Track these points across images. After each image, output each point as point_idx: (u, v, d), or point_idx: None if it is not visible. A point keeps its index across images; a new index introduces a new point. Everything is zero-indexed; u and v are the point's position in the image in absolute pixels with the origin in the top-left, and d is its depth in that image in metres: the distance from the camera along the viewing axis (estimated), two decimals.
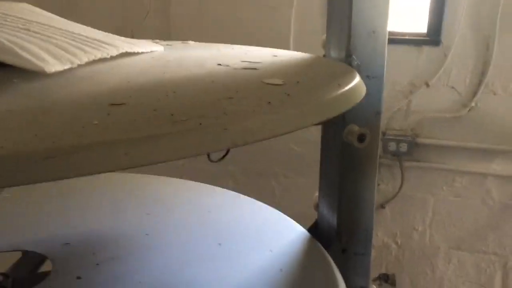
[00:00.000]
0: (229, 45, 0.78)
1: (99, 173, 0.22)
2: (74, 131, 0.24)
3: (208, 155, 0.72)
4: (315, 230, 0.69)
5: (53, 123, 0.26)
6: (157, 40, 0.80)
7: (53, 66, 0.34)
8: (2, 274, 0.53)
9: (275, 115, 0.29)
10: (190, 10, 1.24)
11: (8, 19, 0.42)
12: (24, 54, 0.33)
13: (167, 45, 0.73)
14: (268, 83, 0.39)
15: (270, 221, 0.70)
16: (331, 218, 0.66)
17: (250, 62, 0.52)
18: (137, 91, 0.35)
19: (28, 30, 0.40)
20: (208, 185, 0.83)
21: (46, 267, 0.55)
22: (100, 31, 0.59)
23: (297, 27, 1.18)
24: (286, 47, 1.19)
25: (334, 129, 0.62)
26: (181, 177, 0.86)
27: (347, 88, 0.38)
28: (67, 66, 0.36)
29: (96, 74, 0.41)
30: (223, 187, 0.82)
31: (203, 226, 0.65)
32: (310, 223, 0.69)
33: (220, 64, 0.50)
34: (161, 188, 0.78)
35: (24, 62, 0.32)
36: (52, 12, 0.65)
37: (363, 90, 0.43)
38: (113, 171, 0.22)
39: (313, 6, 1.17)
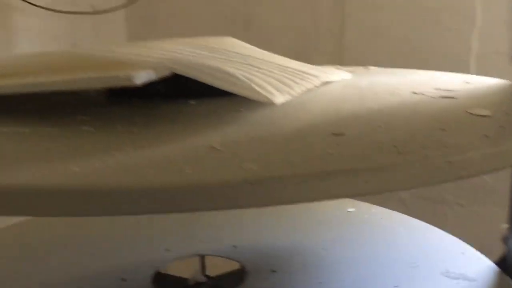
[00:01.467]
0: (412, 70, 0.78)
1: (341, 197, 0.26)
2: (315, 158, 0.28)
3: None
4: (504, 264, 0.65)
5: (293, 150, 0.30)
6: (339, 66, 0.84)
7: (278, 98, 0.39)
8: (207, 277, 0.61)
9: (495, 149, 0.29)
10: (364, 34, 1.26)
11: (231, 55, 0.49)
12: (256, 87, 0.38)
13: (351, 71, 0.76)
14: (474, 114, 0.39)
15: (452, 250, 0.68)
16: None
17: (444, 90, 0.53)
18: (349, 121, 0.38)
19: (250, 65, 0.46)
20: (381, 208, 0.83)
21: (243, 283, 0.60)
22: (295, 61, 0.64)
23: (479, 49, 1.13)
24: (465, 71, 1.14)
25: None
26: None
27: None
28: (287, 98, 0.41)
29: (305, 103, 0.45)
30: None
31: (379, 247, 0.66)
32: (489, 256, 0.66)
33: (415, 93, 0.51)
34: (333, 207, 0.80)
35: (257, 94, 0.37)
36: (236, 35, 0.73)
37: None
38: (354, 196, 0.26)
39: (498, 24, 1.10)
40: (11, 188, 0.23)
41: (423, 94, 0.50)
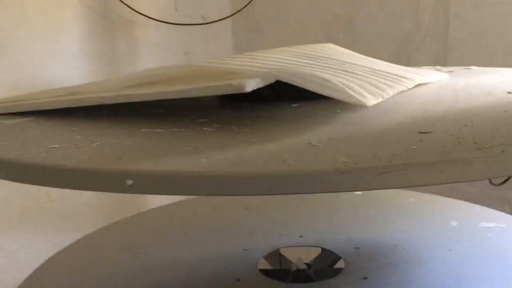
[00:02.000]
0: None
1: (420, 186, 0.30)
2: (401, 152, 0.32)
3: (490, 179, 0.73)
4: None
5: (383, 146, 0.35)
6: (439, 67, 0.85)
7: (370, 100, 0.44)
8: (307, 264, 0.67)
9: None
10: (470, 33, 1.24)
11: (330, 62, 0.55)
12: (350, 92, 0.43)
13: (450, 71, 0.77)
14: None
15: None
16: None
17: None
18: (437, 120, 0.42)
19: (345, 71, 0.51)
20: (483, 207, 0.83)
21: (339, 265, 0.66)
22: (391, 64, 0.67)
23: None
24: None
25: None
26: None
27: None
28: (379, 100, 0.45)
29: (397, 104, 0.49)
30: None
31: (479, 247, 0.67)
32: None
33: (510, 93, 0.53)
34: (434, 206, 0.82)
35: (351, 98, 0.42)
36: (338, 39, 0.78)
37: None
38: (431, 185, 0.30)
39: None
40: (159, 174, 0.31)
41: None
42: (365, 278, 0.61)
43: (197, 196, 0.87)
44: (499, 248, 0.67)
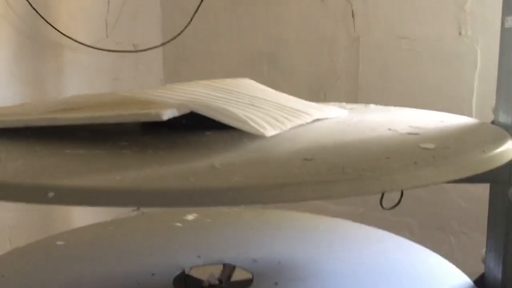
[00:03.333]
0: (405, 108, 0.89)
1: (297, 201, 0.37)
2: (284, 174, 0.40)
3: (381, 203, 0.83)
4: (481, 282, 0.74)
5: (272, 169, 0.42)
6: (344, 104, 0.96)
7: (269, 131, 0.51)
8: (219, 280, 0.73)
9: (415, 172, 0.41)
10: (375, 74, 1.38)
11: (240, 96, 0.62)
12: (252, 123, 0.51)
13: (351, 108, 0.88)
14: (422, 147, 0.50)
15: (436, 269, 0.77)
16: (496, 271, 0.71)
17: (416, 127, 0.64)
18: (322, 149, 0.50)
19: (253, 105, 0.59)
20: (380, 230, 0.93)
21: (247, 276, 0.72)
22: (299, 100, 0.76)
23: (480, 90, 1.23)
24: (468, 108, 1.24)
25: (500, 187, 0.68)
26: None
27: (489, 154, 0.47)
28: (277, 131, 0.53)
29: (295, 136, 0.57)
30: None
31: (366, 265, 0.76)
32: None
33: (390, 129, 0.63)
34: (335, 229, 0.91)
35: (252, 128, 0.50)
36: (263, 73, 0.86)
37: (508, 156, 0.51)
38: (304, 201, 0.37)
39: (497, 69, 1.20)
40: (79, 189, 0.36)
41: (395, 130, 0.61)
42: (276, 283, 0.68)
43: (105, 221, 0.91)
44: (393, 266, 0.76)
